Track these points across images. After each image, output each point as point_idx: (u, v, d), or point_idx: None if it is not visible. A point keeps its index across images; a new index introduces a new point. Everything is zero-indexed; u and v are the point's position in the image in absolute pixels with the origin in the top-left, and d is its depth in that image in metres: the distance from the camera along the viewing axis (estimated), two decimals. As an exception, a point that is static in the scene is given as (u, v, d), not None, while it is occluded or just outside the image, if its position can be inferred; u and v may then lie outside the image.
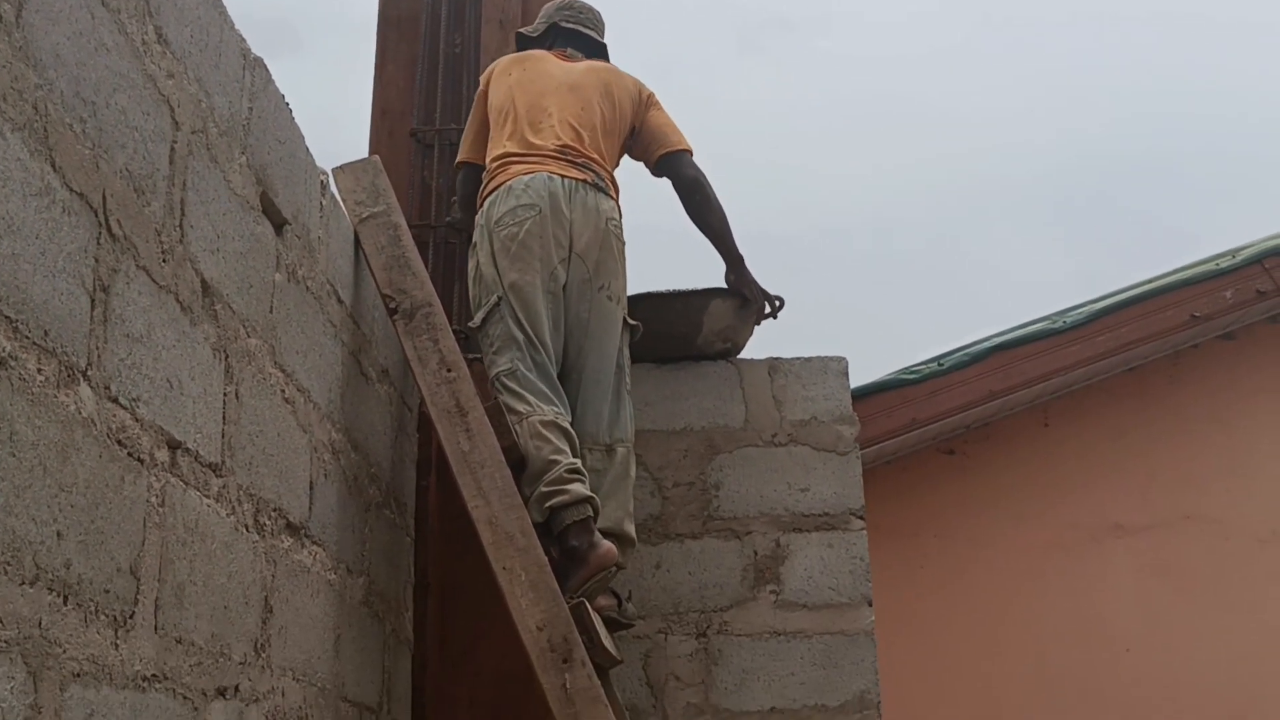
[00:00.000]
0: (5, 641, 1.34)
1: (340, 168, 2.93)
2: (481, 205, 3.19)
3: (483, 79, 3.49)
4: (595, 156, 3.28)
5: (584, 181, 3.21)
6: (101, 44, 1.64)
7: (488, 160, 3.28)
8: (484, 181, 3.26)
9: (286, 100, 2.40)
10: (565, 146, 3.23)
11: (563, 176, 3.18)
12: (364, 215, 2.87)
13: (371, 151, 3.78)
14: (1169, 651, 6.07)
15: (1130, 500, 6.26)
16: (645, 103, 3.49)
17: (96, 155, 1.62)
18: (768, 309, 3.68)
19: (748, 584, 3.48)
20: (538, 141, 3.21)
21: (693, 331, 3.60)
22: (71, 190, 1.55)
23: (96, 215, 1.62)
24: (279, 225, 2.36)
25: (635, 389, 3.62)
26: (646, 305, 3.58)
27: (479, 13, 4.07)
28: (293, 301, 2.41)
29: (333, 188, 2.75)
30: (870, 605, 3.46)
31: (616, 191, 3.34)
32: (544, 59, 3.46)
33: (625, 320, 3.25)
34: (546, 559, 2.64)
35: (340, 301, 2.73)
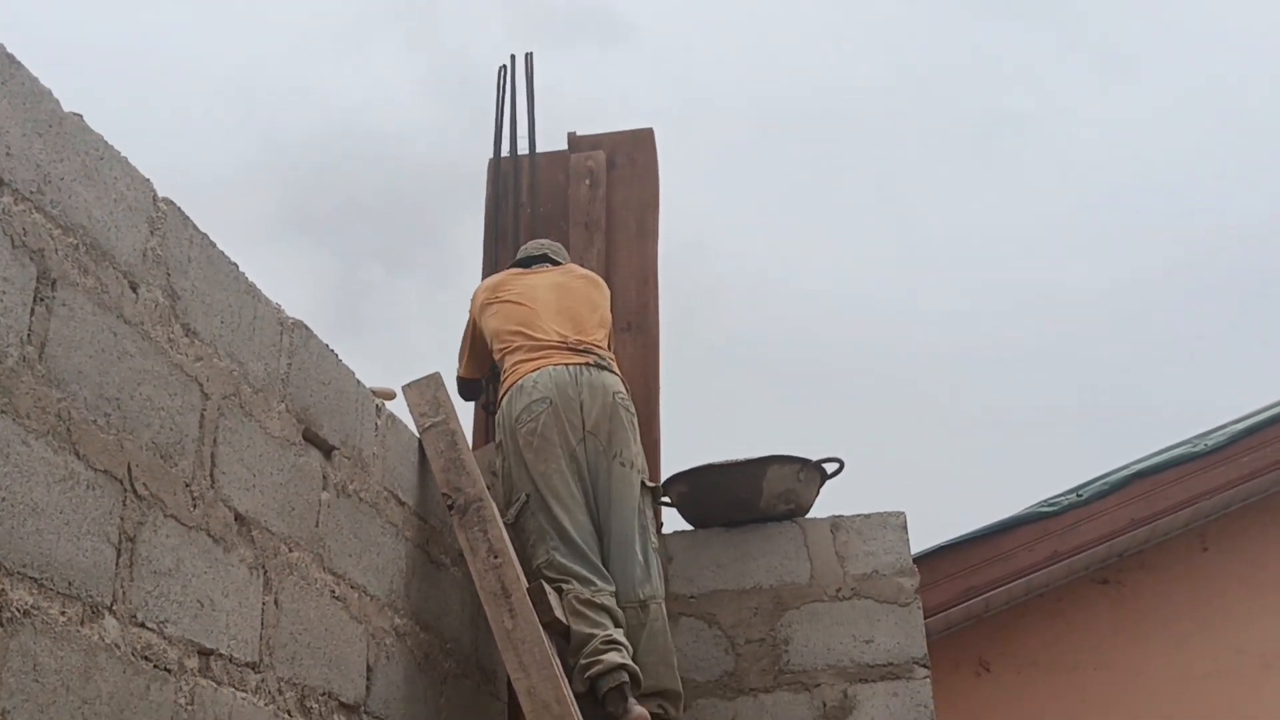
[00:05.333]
0: (29, 824, 1.80)
1: (408, 385, 3.44)
2: (500, 405, 3.64)
3: (472, 312, 3.98)
4: (592, 339, 3.73)
5: (586, 364, 3.64)
6: (124, 352, 2.16)
7: (504, 365, 3.74)
8: (500, 382, 3.72)
9: (331, 348, 2.91)
10: (564, 337, 3.69)
11: (566, 365, 3.61)
12: (427, 425, 3.35)
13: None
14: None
15: (1301, 622, 6.04)
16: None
17: (121, 438, 2.13)
18: (829, 470, 3.97)
19: (818, 734, 3.70)
20: (541, 338, 3.69)
21: (754, 496, 3.91)
22: (95, 470, 2.06)
23: (122, 484, 2.12)
24: (328, 451, 2.85)
25: (706, 552, 3.95)
26: (710, 475, 3.93)
27: (567, 218, 4.59)
28: (343, 513, 2.89)
29: (390, 408, 3.24)
30: (935, 752, 3.61)
31: (618, 368, 3.77)
32: (520, 276, 3.97)
33: (644, 484, 3.61)
34: (578, 724, 2.98)
35: (401, 503, 3.20)
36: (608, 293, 4.01)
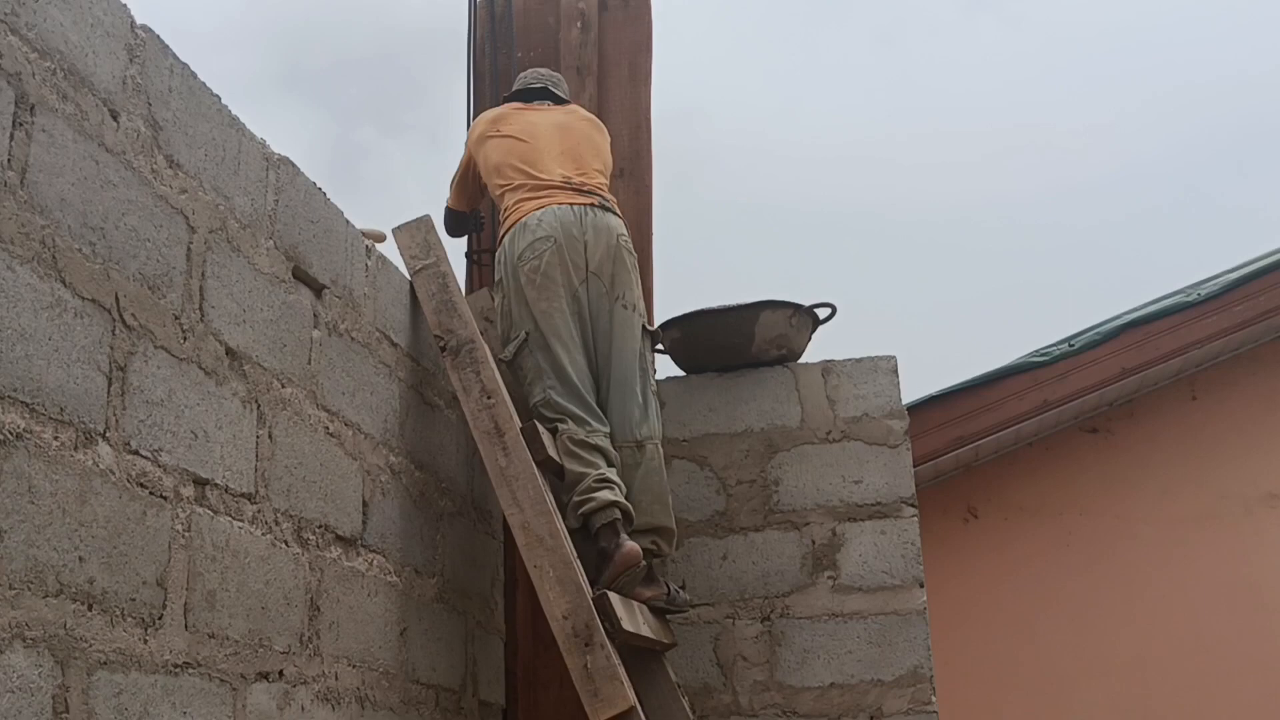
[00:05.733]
0: (33, 639, 1.85)
1: (398, 227, 3.42)
2: (500, 244, 3.62)
3: (469, 144, 3.91)
4: (595, 182, 3.68)
5: (590, 205, 3.59)
6: (107, 181, 2.14)
7: (504, 204, 3.70)
8: (501, 222, 3.69)
9: (318, 186, 2.88)
10: (567, 178, 3.63)
11: (570, 205, 3.56)
12: (417, 267, 3.34)
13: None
14: (1332, 621, 5.92)
15: (1285, 469, 6.14)
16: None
17: (107, 268, 2.12)
18: (821, 315, 3.98)
19: (807, 571, 3.78)
20: (544, 178, 3.62)
21: (747, 341, 3.92)
22: (83, 298, 2.05)
23: (110, 313, 2.12)
24: (318, 290, 2.85)
25: (699, 397, 3.98)
26: (702, 321, 3.94)
27: (558, 63, 4.50)
28: (335, 351, 2.89)
29: (381, 249, 3.23)
30: (922, 586, 3.70)
31: (617, 207, 3.73)
32: (522, 111, 3.86)
33: (644, 327, 3.61)
34: (572, 557, 3.04)
35: (394, 344, 3.21)
36: (609, 137, 3.95)
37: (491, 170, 3.73)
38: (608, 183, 3.80)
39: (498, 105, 4.07)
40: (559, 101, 3.97)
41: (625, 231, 3.65)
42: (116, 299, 2.14)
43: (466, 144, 3.93)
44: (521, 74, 4.12)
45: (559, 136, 3.74)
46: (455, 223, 4.10)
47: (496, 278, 3.61)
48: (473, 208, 4.05)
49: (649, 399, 3.57)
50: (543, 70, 4.12)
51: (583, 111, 4.01)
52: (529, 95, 3.97)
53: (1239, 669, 5.87)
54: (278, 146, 2.73)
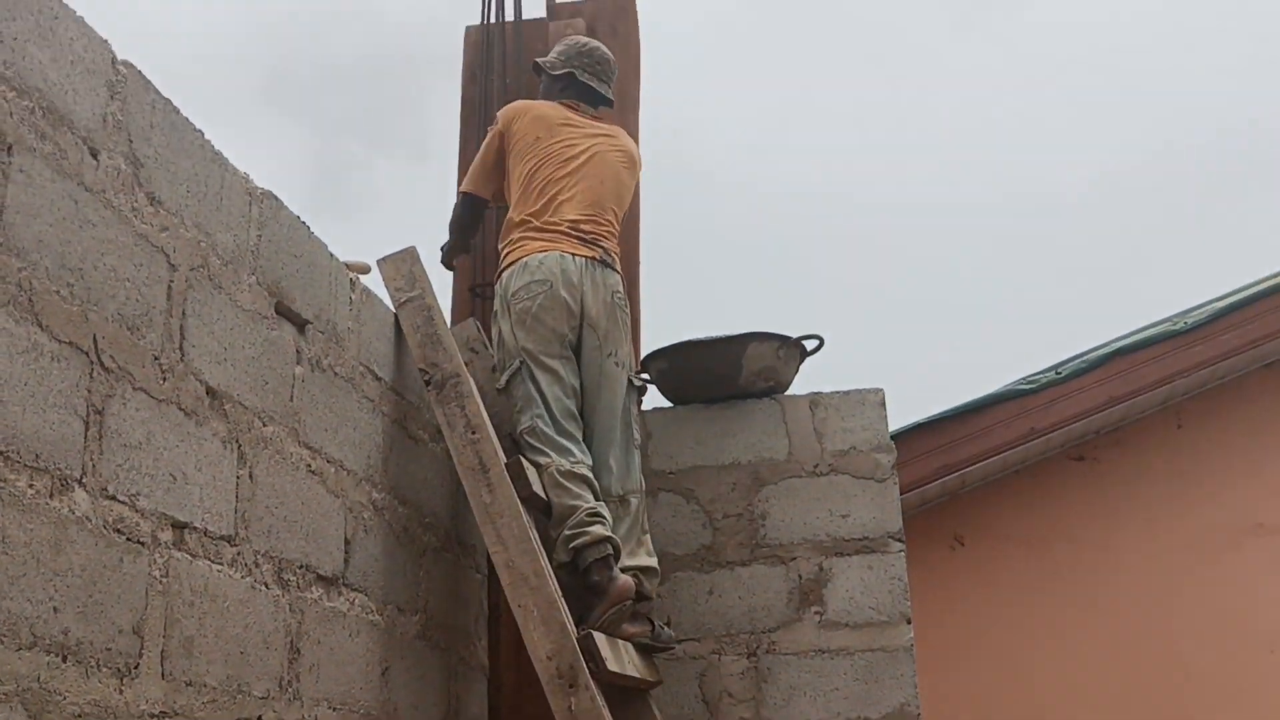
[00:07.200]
0: (5, 694, 1.80)
1: (383, 259, 3.38)
2: (500, 278, 3.60)
3: (502, 119, 3.77)
4: (604, 231, 3.64)
5: (593, 259, 3.56)
6: (86, 220, 2.10)
7: (509, 222, 3.66)
8: (502, 253, 3.64)
9: (302, 220, 2.85)
10: (576, 224, 3.58)
11: (574, 255, 3.53)
12: (402, 300, 3.31)
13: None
14: (1320, 653, 5.91)
15: (1271, 499, 6.14)
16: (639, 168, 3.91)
17: (85, 309, 2.08)
18: (809, 348, 3.96)
19: (793, 606, 3.75)
20: (553, 219, 3.57)
21: (734, 373, 3.89)
22: (60, 341, 2.01)
23: (87, 355, 2.08)
24: (301, 325, 2.81)
25: (685, 429, 3.95)
26: (689, 352, 3.92)
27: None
28: (318, 387, 2.85)
29: (365, 283, 3.19)
30: (909, 623, 3.67)
31: (618, 263, 3.70)
32: (566, 121, 3.73)
33: (630, 381, 3.61)
34: (557, 596, 3.00)
35: (377, 379, 3.17)
36: (639, 173, 3.89)
37: (519, 178, 3.63)
38: (618, 226, 3.75)
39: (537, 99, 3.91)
40: (607, 104, 3.89)
41: (622, 289, 3.65)
42: (94, 341, 2.10)
43: (501, 127, 3.75)
44: (581, 44, 3.93)
45: (588, 172, 3.65)
46: (469, 213, 3.87)
47: (495, 307, 3.59)
48: (490, 196, 3.84)
49: (631, 453, 3.58)
50: (606, 52, 3.92)
51: (623, 139, 3.86)
52: (594, 99, 3.85)
53: (1226, 702, 5.85)
54: (259, 166, 2.69)
